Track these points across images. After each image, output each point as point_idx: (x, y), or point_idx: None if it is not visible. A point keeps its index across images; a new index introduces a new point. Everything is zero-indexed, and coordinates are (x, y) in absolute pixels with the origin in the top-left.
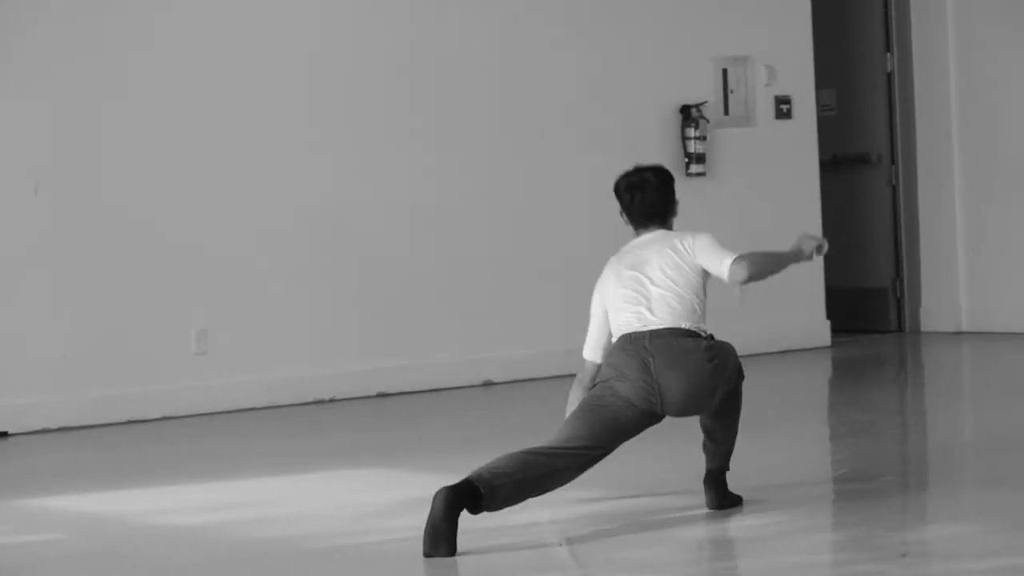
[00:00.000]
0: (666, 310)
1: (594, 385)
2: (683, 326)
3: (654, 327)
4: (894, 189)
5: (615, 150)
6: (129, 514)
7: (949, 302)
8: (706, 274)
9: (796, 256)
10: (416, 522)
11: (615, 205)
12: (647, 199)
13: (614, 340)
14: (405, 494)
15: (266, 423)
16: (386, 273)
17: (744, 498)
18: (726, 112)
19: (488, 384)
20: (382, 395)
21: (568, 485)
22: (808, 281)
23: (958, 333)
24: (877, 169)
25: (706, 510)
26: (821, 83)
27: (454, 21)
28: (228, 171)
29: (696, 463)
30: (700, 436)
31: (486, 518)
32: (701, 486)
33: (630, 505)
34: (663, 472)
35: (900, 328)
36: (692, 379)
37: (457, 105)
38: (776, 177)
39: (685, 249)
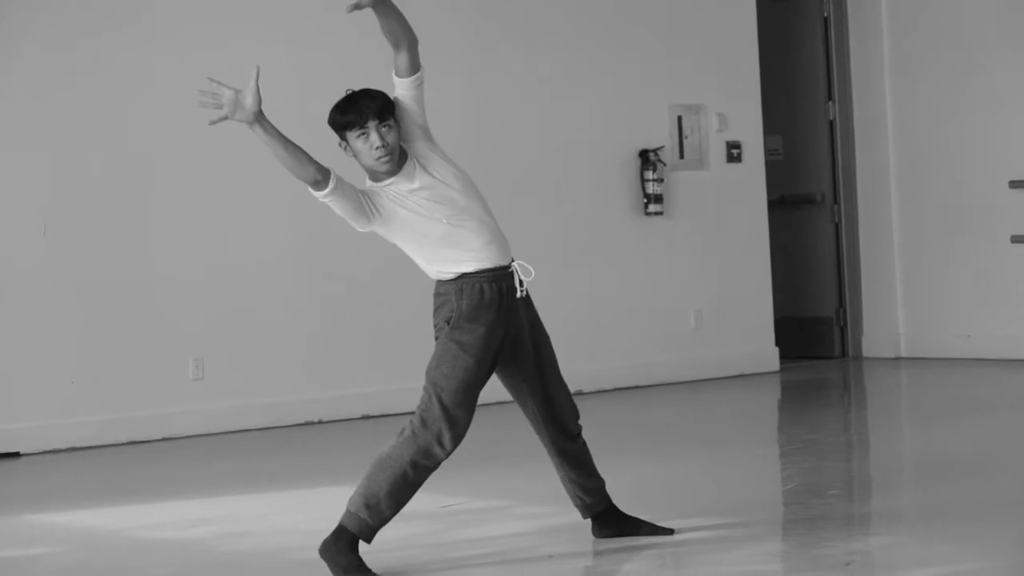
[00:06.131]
0: None
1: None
2: None
3: None
4: (837, 226)
5: (582, 192)
6: (126, 528)
7: (888, 330)
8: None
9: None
10: (391, 536)
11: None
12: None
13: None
14: None
15: (258, 443)
16: (369, 307)
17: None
18: (681, 156)
19: None
20: (366, 417)
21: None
22: (758, 311)
23: (897, 359)
24: (821, 208)
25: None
26: (769, 130)
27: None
28: (222, 211)
29: (641, 477)
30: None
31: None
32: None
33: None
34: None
35: (843, 354)
36: None
37: None
38: (728, 216)
39: None
